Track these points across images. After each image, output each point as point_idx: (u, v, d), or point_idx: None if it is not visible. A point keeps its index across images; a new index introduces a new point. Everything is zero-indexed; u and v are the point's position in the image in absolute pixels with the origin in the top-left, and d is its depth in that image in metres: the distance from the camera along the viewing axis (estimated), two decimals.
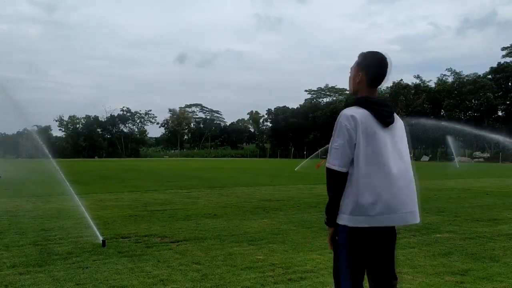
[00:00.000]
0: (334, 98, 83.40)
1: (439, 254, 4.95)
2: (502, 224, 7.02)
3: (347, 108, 2.32)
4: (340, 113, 2.30)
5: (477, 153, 51.58)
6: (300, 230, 6.38)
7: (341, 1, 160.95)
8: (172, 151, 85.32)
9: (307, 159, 33.84)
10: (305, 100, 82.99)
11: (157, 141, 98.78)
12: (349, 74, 2.41)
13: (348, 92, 76.56)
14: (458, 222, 7.15)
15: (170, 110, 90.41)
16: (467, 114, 60.68)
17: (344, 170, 2.25)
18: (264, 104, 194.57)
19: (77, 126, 77.49)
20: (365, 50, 2.41)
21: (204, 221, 7.18)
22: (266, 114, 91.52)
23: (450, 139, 42.42)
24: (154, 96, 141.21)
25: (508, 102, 57.03)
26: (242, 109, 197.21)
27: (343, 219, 2.30)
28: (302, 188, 13.81)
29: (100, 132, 79.64)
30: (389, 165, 2.25)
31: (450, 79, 63.43)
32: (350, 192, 2.27)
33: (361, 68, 2.38)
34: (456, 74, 62.48)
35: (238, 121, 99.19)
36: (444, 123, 47.76)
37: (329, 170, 2.29)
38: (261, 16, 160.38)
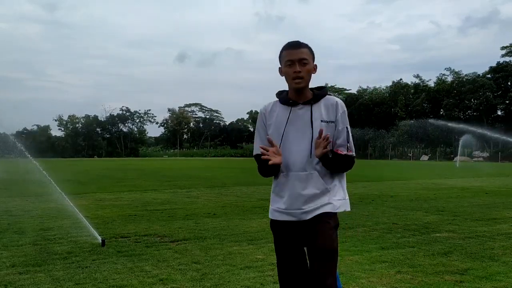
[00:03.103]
0: None
1: (438, 253, 4.96)
2: (502, 223, 7.02)
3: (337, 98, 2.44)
4: (340, 101, 2.37)
5: (477, 152, 51.59)
6: None
7: (341, 0, 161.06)
8: (172, 150, 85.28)
9: None
10: None
11: (157, 140, 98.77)
12: (308, 66, 2.28)
13: (347, 91, 76.64)
14: (458, 222, 7.15)
15: (169, 110, 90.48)
16: (467, 113, 60.75)
17: None
18: (264, 104, 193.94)
19: (77, 125, 77.45)
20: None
21: (204, 221, 7.18)
22: None
23: (464, 138, 42.10)
24: (153, 96, 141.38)
25: (507, 102, 57.11)
26: (242, 108, 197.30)
27: (348, 204, 2.40)
28: None
29: (99, 132, 79.63)
30: None
31: (449, 79, 63.50)
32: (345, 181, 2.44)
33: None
34: (456, 74, 62.52)
35: (238, 120, 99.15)
36: (451, 124, 47.54)
37: (353, 159, 2.34)
38: (262, 15, 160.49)
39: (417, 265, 4.46)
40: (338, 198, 2.30)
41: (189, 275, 4.13)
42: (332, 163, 2.25)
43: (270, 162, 2.16)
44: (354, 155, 2.31)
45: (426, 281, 3.95)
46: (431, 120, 54.32)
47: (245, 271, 4.23)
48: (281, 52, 2.31)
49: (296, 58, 2.22)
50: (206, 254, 4.93)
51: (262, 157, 2.19)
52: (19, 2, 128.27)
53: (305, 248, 2.33)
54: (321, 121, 2.25)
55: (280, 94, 2.40)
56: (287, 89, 2.36)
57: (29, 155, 7.48)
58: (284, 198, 2.31)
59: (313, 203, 2.25)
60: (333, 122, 2.28)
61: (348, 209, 2.36)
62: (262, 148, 2.21)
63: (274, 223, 2.41)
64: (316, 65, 2.33)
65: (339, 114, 2.29)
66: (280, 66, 2.34)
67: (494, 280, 3.97)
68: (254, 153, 2.40)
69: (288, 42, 2.30)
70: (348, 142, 2.30)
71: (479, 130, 42.74)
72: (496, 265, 4.49)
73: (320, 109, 2.28)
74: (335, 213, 2.29)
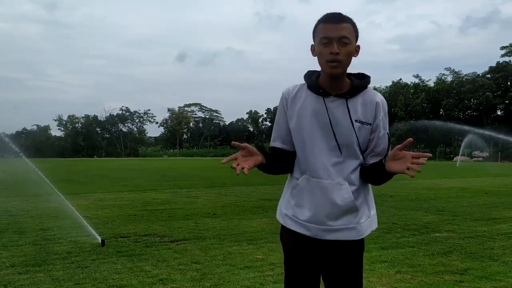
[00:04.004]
0: None
1: (438, 253, 4.96)
2: (501, 223, 7.02)
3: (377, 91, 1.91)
4: (383, 99, 1.89)
5: (476, 152, 51.59)
6: None
7: (341, 0, 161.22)
8: (171, 150, 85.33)
9: None
10: None
11: (156, 140, 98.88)
12: (349, 46, 1.78)
13: None
14: (457, 221, 7.15)
15: (169, 110, 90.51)
16: (466, 113, 60.75)
17: None
18: (263, 104, 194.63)
19: (76, 125, 77.48)
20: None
21: (203, 221, 7.18)
22: (265, 113, 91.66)
23: (468, 138, 41.92)
24: (153, 96, 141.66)
25: (507, 101, 57.10)
26: (241, 108, 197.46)
27: (374, 221, 1.99)
28: None
29: (99, 132, 79.67)
30: None
31: (449, 79, 63.51)
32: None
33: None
34: (455, 74, 62.52)
35: (237, 120, 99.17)
36: (467, 126, 47.43)
37: None
38: (262, 15, 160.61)
39: (416, 265, 4.45)
40: (363, 220, 1.88)
41: (189, 275, 4.13)
42: (381, 177, 1.85)
43: (244, 170, 1.67)
44: None
45: (426, 281, 3.95)
46: (431, 122, 54.27)
47: (244, 271, 4.23)
48: (316, 25, 1.82)
49: (335, 36, 1.74)
50: (206, 254, 4.92)
51: (232, 167, 1.69)
52: (19, 2, 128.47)
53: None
54: (355, 120, 1.81)
55: (309, 77, 1.88)
56: (318, 70, 1.88)
57: (23, 155, 7.47)
58: (302, 207, 1.88)
59: (335, 221, 1.83)
60: (370, 124, 1.83)
61: (375, 226, 1.96)
62: (226, 161, 1.74)
63: (286, 232, 1.96)
64: (358, 46, 1.84)
65: (380, 116, 1.83)
66: (313, 43, 1.84)
67: (494, 280, 3.97)
68: (270, 145, 1.98)
69: (327, 14, 1.82)
70: (388, 151, 1.87)
71: (481, 131, 42.64)
72: (495, 265, 4.49)
73: (357, 106, 1.81)
74: (361, 240, 1.90)
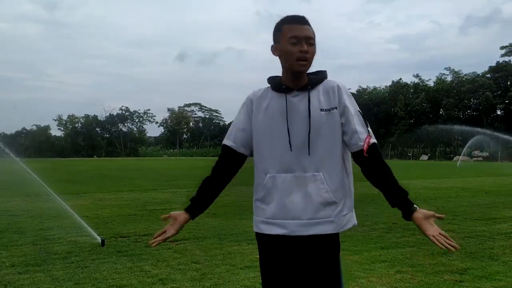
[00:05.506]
0: None
1: (438, 253, 4.95)
2: (501, 223, 7.02)
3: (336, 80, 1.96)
4: (342, 84, 1.89)
5: (476, 152, 51.57)
6: None
7: (340, 0, 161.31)
8: (171, 150, 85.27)
9: None
10: None
11: (156, 140, 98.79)
12: (314, 47, 1.85)
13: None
14: (457, 221, 7.15)
15: (169, 110, 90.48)
16: (466, 113, 60.71)
17: None
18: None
19: (76, 125, 77.45)
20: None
21: (203, 220, 7.17)
22: None
23: (475, 139, 41.81)
24: (153, 96, 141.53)
25: (507, 101, 57.05)
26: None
27: (354, 216, 1.97)
28: None
29: (99, 132, 79.63)
30: None
31: (449, 78, 63.44)
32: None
33: None
34: (455, 73, 62.47)
35: None
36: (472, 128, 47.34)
37: (376, 147, 1.87)
38: (263, 14, 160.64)
39: (416, 265, 4.45)
40: (344, 213, 1.85)
41: (188, 274, 4.13)
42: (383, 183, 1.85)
43: (153, 244, 2.01)
44: (376, 142, 1.86)
45: (426, 280, 3.95)
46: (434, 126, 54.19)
47: (244, 271, 4.23)
48: (280, 26, 1.85)
49: (302, 36, 1.79)
50: (206, 253, 4.92)
51: (152, 245, 2.00)
52: (19, 2, 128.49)
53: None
54: (321, 110, 1.82)
55: (272, 80, 1.92)
56: (279, 75, 1.93)
57: (12, 155, 7.44)
58: (272, 204, 1.85)
59: (312, 215, 1.79)
60: (335, 108, 1.82)
61: (355, 222, 1.93)
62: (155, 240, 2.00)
63: (260, 238, 1.93)
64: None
65: (343, 97, 1.84)
66: (274, 44, 1.88)
67: (494, 279, 3.97)
68: (224, 142, 2.07)
69: (292, 16, 1.85)
70: (367, 126, 1.85)
71: (488, 131, 42.46)
72: (495, 264, 4.49)
73: (319, 96, 1.84)
74: (337, 234, 1.85)
